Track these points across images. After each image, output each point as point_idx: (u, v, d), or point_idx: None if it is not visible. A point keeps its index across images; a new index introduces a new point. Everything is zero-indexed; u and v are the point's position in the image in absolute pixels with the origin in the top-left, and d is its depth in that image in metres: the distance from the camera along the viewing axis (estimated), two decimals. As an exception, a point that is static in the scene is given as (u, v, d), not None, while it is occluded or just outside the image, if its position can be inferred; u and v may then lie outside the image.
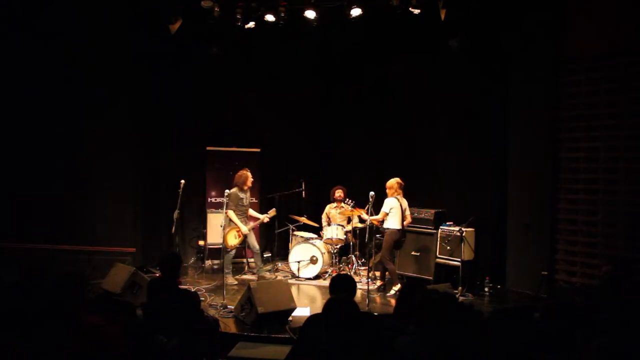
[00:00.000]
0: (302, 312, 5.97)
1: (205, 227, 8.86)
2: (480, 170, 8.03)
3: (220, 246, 7.75)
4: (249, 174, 7.69)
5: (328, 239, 8.08)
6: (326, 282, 7.55)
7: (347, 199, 8.14)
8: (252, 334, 5.37)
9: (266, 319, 5.52)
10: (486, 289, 7.27)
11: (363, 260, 8.44)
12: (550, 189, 7.20)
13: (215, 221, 8.42)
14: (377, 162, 8.81)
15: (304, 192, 9.03)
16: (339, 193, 8.44)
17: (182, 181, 7.19)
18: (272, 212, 7.81)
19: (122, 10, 7.68)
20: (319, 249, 7.91)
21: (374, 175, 7.79)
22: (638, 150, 6.43)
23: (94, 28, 7.49)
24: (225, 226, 7.56)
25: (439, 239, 7.52)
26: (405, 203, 7.32)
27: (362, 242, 7.96)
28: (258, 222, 7.80)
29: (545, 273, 6.71)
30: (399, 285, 7.10)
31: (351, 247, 8.32)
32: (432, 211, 7.70)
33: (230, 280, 7.60)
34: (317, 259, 7.90)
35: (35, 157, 7.40)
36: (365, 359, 3.07)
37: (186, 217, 8.70)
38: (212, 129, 9.04)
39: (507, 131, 7.68)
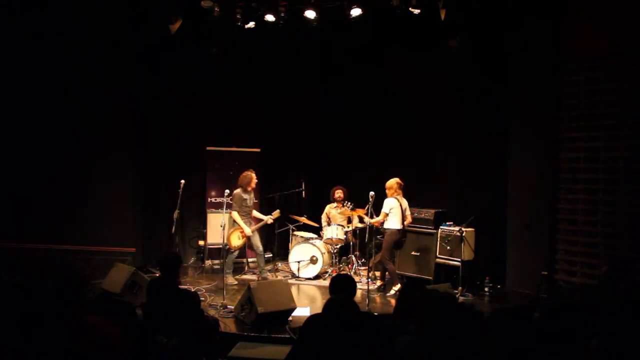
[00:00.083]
0: (302, 312, 5.98)
1: (205, 227, 8.87)
2: (480, 170, 8.03)
3: (221, 246, 7.75)
4: (254, 175, 7.68)
5: (328, 239, 8.08)
6: (326, 282, 7.55)
7: (347, 202, 8.15)
8: (252, 334, 5.37)
9: (266, 319, 5.52)
10: (486, 289, 7.27)
11: (363, 260, 8.44)
12: (550, 189, 7.20)
13: (215, 221, 8.42)
14: (377, 162, 8.81)
15: (304, 192, 9.04)
16: (338, 193, 8.44)
17: (182, 181, 7.19)
18: (276, 213, 7.81)
19: (122, 10, 7.69)
20: (319, 249, 7.91)
21: (374, 175, 7.79)
22: (638, 150, 6.43)
23: (94, 28, 7.48)
24: (229, 227, 7.59)
25: (439, 239, 7.52)
26: (405, 203, 7.32)
27: (362, 242, 7.96)
28: (262, 223, 7.80)
29: (545, 273, 6.70)
30: (399, 285, 7.10)
31: (351, 247, 8.33)
32: (432, 211, 7.70)
33: (230, 280, 7.61)
34: (317, 259, 7.90)
35: (35, 157, 7.40)
36: (365, 359, 3.07)
37: (186, 217, 8.70)
38: (212, 129, 9.04)
39: (507, 131, 7.68)
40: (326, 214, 8.63)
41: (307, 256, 7.93)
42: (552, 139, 7.20)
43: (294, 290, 7.15)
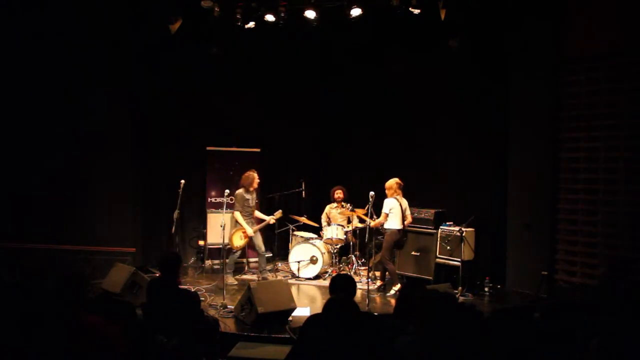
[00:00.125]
0: (302, 312, 5.98)
1: (205, 227, 8.87)
2: (480, 170, 8.03)
3: (220, 246, 7.75)
4: (256, 175, 7.69)
5: (328, 239, 8.08)
6: (326, 282, 7.55)
7: (346, 203, 8.16)
8: (252, 334, 5.37)
9: (266, 319, 5.52)
10: (486, 289, 7.27)
11: (363, 260, 8.44)
12: (550, 189, 7.20)
13: (215, 221, 8.42)
14: (377, 162, 8.81)
15: (304, 192, 9.04)
16: (338, 193, 8.44)
17: (182, 181, 7.19)
18: (278, 213, 7.81)
19: (122, 10, 7.69)
20: (319, 249, 7.91)
21: (374, 175, 7.79)
22: (638, 150, 6.43)
23: (94, 28, 7.48)
24: (231, 227, 7.60)
25: (439, 239, 7.52)
26: (405, 203, 7.32)
27: (362, 242, 7.96)
28: (264, 223, 7.80)
29: (545, 273, 6.70)
30: (399, 285, 7.10)
31: (351, 247, 8.33)
32: (432, 211, 7.70)
33: (231, 280, 7.61)
34: (317, 259, 7.90)
35: (35, 157, 7.39)
36: (365, 359, 3.07)
37: (186, 217, 8.70)
38: (212, 129, 9.04)
39: (507, 131, 7.68)
40: (326, 214, 8.63)
41: (307, 256, 7.93)
42: (552, 139, 7.20)
43: (294, 290, 7.15)
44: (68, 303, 3.17)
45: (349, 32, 8.18)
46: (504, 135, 7.71)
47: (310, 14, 7.36)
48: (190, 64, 8.57)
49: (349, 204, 8.21)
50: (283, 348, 4.57)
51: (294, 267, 7.98)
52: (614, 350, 2.73)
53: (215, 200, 9.00)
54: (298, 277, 7.93)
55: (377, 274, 7.75)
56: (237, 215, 7.56)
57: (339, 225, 8.15)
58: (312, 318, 3.58)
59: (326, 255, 8.05)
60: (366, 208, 7.25)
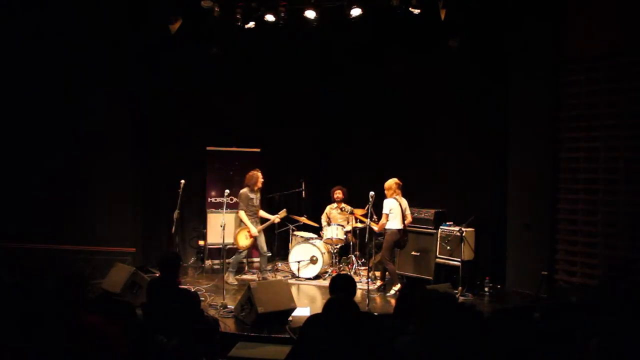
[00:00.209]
0: (302, 312, 5.98)
1: (205, 227, 8.87)
2: (480, 170, 8.02)
3: (221, 246, 7.75)
4: (260, 174, 7.70)
5: (328, 239, 8.08)
6: (326, 282, 7.55)
7: (344, 205, 8.17)
8: (252, 334, 5.37)
9: (266, 319, 5.52)
10: (486, 289, 7.27)
11: (363, 260, 8.44)
12: (550, 189, 7.20)
13: (215, 221, 8.43)
14: (377, 162, 8.81)
15: (304, 192, 9.04)
16: (338, 194, 8.44)
17: (182, 181, 7.20)
18: (283, 212, 7.82)
19: (122, 10, 7.69)
20: (319, 249, 7.91)
21: (374, 175, 7.79)
22: (638, 150, 6.43)
23: (94, 28, 7.48)
24: (235, 227, 7.61)
25: (439, 239, 7.52)
26: (404, 203, 7.32)
27: (362, 242, 7.96)
28: (268, 223, 7.81)
29: (545, 273, 6.70)
30: (399, 285, 7.10)
31: (351, 247, 8.33)
32: (432, 211, 7.70)
33: (231, 280, 7.61)
34: (317, 259, 7.90)
35: (35, 157, 7.39)
36: (365, 359, 3.07)
37: (186, 217, 8.70)
38: (212, 129, 9.04)
39: (507, 131, 7.68)
40: (326, 214, 8.63)
41: (307, 256, 7.93)
42: (552, 139, 7.20)
43: (294, 290, 7.15)
44: (68, 303, 3.17)
45: (349, 32, 8.18)
46: (504, 135, 7.71)
47: (310, 14, 7.36)
48: (190, 64, 8.58)
49: (346, 205, 8.23)
50: (283, 348, 4.57)
51: (294, 267, 7.98)
52: (614, 350, 2.73)
53: (215, 200, 9.00)
54: (298, 277, 7.93)
55: (377, 274, 7.75)
56: (242, 214, 7.56)
57: (339, 225, 8.15)
58: (312, 318, 3.58)
59: (326, 255, 8.05)
60: (366, 208, 7.25)
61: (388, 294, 7.20)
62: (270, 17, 7.48)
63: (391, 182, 7.27)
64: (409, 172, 8.02)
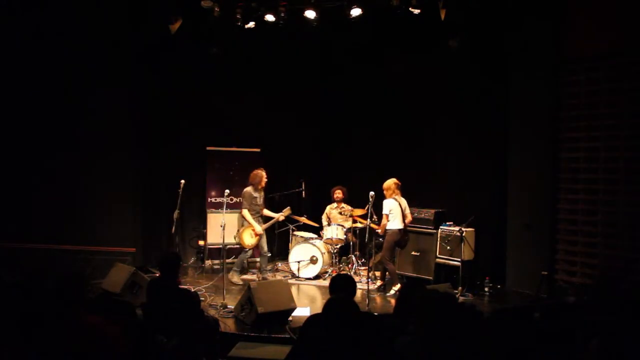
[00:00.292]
0: (302, 312, 5.98)
1: (205, 227, 8.87)
2: (480, 170, 8.02)
3: (221, 246, 7.75)
4: (264, 173, 7.71)
5: (328, 239, 8.08)
6: (326, 282, 7.55)
7: (344, 206, 8.17)
8: (252, 334, 5.37)
9: (266, 319, 5.52)
10: (486, 289, 7.27)
11: (363, 260, 8.44)
12: (550, 189, 7.20)
13: (215, 221, 8.43)
14: (377, 162, 8.81)
15: (304, 192, 9.04)
16: (338, 194, 8.45)
17: (182, 181, 7.19)
18: (287, 210, 7.83)
19: (122, 10, 7.69)
20: (319, 249, 7.91)
21: (374, 175, 7.78)
22: (638, 150, 6.43)
23: (94, 28, 7.48)
24: (239, 226, 7.61)
25: (439, 239, 7.52)
26: (404, 202, 7.32)
27: (362, 242, 7.96)
28: (273, 221, 7.82)
29: (545, 273, 6.71)
30: (399, 285, 7.10)
31: (351, 247, 8.33)
32: (432, 211, 7.70)
33: (236, 279, 7.61)
34: (317, 259, 7.90)
35: (35, 157, 7.39)
36: (365, 359, 3.07)
37: (186, 217, 8.70)
38: (212, 129, 9.04)
39: (507, 131, 7.68)
40: (326, 214, 8.63)
41: (307, 256, 7.93)
42: (552, 139, 7.20)
43: (294, 290, 7.15)
44: (68, 303, 3.17)
45: (349, 32, 8.18)
46: (504, 135, 7.71)
47: (310, 14, 7.36)
48: (190, 64, 8.57)
49: (348, 206, 8.23)
50: (283, 348, 4.57)
51: (294, 267, 7.97)
52: (614, 350, 2.73)
53: (215, 200, 9.00)
54: (298, 277, 7.93)
55: (377, 274, 7.75)
56: (245, 213, 7.56)
57: (339, 225, 8.15)
58: (312, 318, 3.58)
59: (326, 255, 8.05)
60: (366, 208, 7.25)
61: (388, 294, 7.20)
62: (270, 17, 7.47)
63: (390, 183, 7.26)
64: (409, 172, 8.02)
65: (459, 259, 7.16)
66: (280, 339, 5.26)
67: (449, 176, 8.34)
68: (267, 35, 8.03)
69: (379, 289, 7.44)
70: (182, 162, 8.62)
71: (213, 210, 8.88)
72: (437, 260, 7.51)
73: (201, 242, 8.90)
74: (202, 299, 6.53)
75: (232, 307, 6.09)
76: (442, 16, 6.97)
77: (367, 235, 7.08)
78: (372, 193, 6.74)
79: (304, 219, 8.57)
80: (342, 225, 8.18)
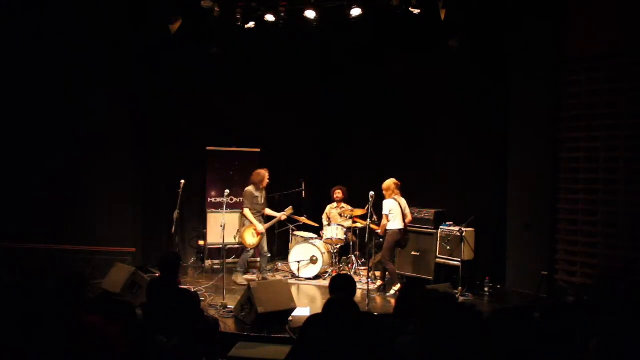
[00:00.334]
0: (302, 312, 5.98)
1: (205, 227, 8.87)
2: (480, 170, 8.02)
3: (221, 246, 7.75)
4: (267, 174, 7.70)
5: (328, 239, 8.08)
6: (326, 282, 7.54)
7: (345, 206, 8.18)
8: (252, 334, 5.37)
9: (266, 319, 5.52)
10: (486, 289, 7.27)
11: (363, 260, 8.44)
12: (550, 189, 7.20)
13: (215, 221, 8.43)
14: (377, 162, 8.81)
15: (304, 192, 9.04)
16: (338, 193, 8.44)
17: (182, 181, 7.19)
18: (289, 210, 7.83)
19: (122, 10, 7.69)
20: (319, 249, 7.91)
21: (374, 175, 7.78)
22: (638, 150, 6.43)
23: (94, 28, 7.48)
24: (240, 225, 7.60)
25: (439, 239, 7.52)
26: (404, 202, 7.32)
27: (362, 242, 7.96)
28: (275, 220, 7.82)
29: (545, 273, 6.71)
30: (399, 285, 7.10)
31: (351, 247, 8.33)
32: (432, 211, 7.70)
33: (240, 280, 7.60)
34: (317, 259, 7.90)
35: (35, 157, 7.39)
36: (365, 359, 3.07)
37: (186, 217, 8.70)
38: (212, 129, 9.04)
39: (507, 131, 7.68)
40: (326, 214, 8.63)
41: (307, 256, 7.93)
42: (552, 139, 7.20)
43: (294, 290, 7.15)
44: (68, 303, 3.17)
45: (349, 32, 8.18)
46: (504, 135, 7.71)
47: (310, 14, 7.36)
48: (190, 64, 8.58)
49: (348, 206, 8.23)
50: (283, 348, 4.57)
51: (294, 267, 7.97)
52: (614, 350, 2.73)
53: (215, 200, 9.00)
54: (298, 277, 7.93)
55: (378, 274, 7.75)
56: (247, 212, 7.56)
57: (339, 225, 8.15)
58: (312, 318, 3.58)
59: (326, 255, 8.05)
60: (366, 208, 7.25)
61: (388, 294, 7.20)
62: (270, 17, 7.47)
63: (389, 183, 7.26)
64: (409, 172, 8.02)
65: (459, 259, 7.16)
66: (280, 339, 5.26)
67: (449, 176, 8.34)
68: (267, 35, 8.03)
69: (379, 289, 7.43)
70: (182, 162, 8.62)
71: (213, 210, 8.88)
72: (437, 260, 7.51)
73: (201, 242, 8.90)
74: (202, 299, 6.53)
75: (232, 307, 6.09)
76: (442, 16, 6.97)
77: (367, 235, 7.08)
78: (372, 193, 6.74)
79: (304, 219, 8.58)
80: (342, 225, 8.18)
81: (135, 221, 8.03)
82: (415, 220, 7.63)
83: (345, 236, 8.11)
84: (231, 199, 8.61)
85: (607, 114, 6.71)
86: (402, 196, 7.34)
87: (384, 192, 7.25)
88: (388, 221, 7.17)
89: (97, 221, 7.64)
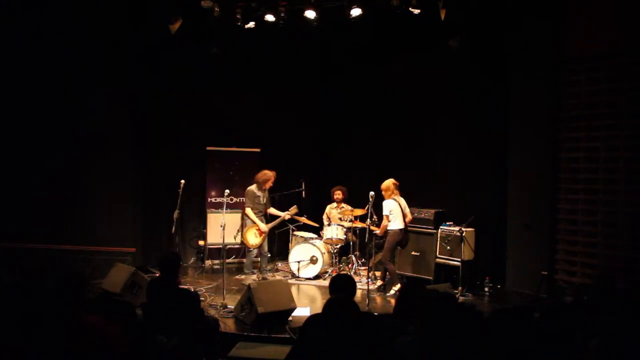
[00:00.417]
0: (302, 312, 5.98)
1: (205, 227, 8.87)
2: (480, 170, 8.02)
3: (221, 246, 7.75)
4: (273, 177, 7.67)
5: (328, 239, 8.08)
6: (326, 282, 7.54)
7: (345, 206, 8.18)
8: (252, 334, 5.37)
9: (266, 319, 5.52)
10: (486, 289, 7.27)
11: (363, 260, 8.44)
12: (550, 189, 7.20)
13: (215, 221, 8.43)
14: (377, 162, 8.81)
15: (304, 192, 9.04)
16: (337, 194, 8.44)
17: (182, 181, 7.19)
18: (294, 209, 7.83)
19: (122, 10, 7.69)
20: (319, 249, 7.91)
21: (374, 175, 7.78)
22: (638, 150, 6.43)
23: (94, 28, 7.49)
24: (242, 225, 7.61)
25: (439, 239, 7.52)
26: (403, 202, 7.32)
27: (362, 242, 7.96)
28: (279, 220, 7.82)
29: (545, 273, 6.71)
30: (399, 285, 7.10)
31: (351, 247, 8.32)
32: (432, 211, 7.70)
33: (249, 281, 7.58)
34: (317, 259, 7.90)
35: (35, 157, 7.39)
36: (365, 359, 3.07)
37: (186, 217, 8.70)
38: (212, 129, 9.04)
39: (507, 131, 7.68)
40: (326, 214, 8.63)
41: (307, 256, 7.93)
42: (552, 139, 7.20)
43: (294, 290, 7.15)
44: (68, 303, 3.17)
45: (349, 32, 8.18)
46: (504, 135, 7.71)
47: (310, 14, 7.36)
48: (190, 64, 8.58)
49: (348, 206, 8.24)
50: (283, 348, 4.57)
51: (294, 267, 7.97)
52: (614, 350, 2.73)
53: (215, 200, 9.00)
54: (298, 277, 7.93)
55: (378, 274, 7.75)
56: (249, 211, 7.56)
57: (339, 225, 8.15)
58: (312, 318, 3.58)
59: (326, 255, 8.05)
60: (366, 208, 7.25)
61: (388, 294, 7.20)
62: (270, 17, 7.48)
63: (389, 183, 7.26)
64: (409, 172, 8.03)
65: (459, 259, 7.16)
66: (280, 339, 5.26)
67: (449, 176, 8.34)
68: (267, 35, 8.03)
69: (379, 289, 7.43)
70: (182, 162, 8.62)
71: (213, 210, 8.88)
72: (437, 260, 7.51)
73: (201, 242, 8.90)
74: (202, 299, 6.52)
75: (232, 307, 6.09)
76: (442, 16, 6.97)
77: (367, 235, 7.08)
78: (372, 193, 6.74)
79: (304, 219, 8.57)
80: (342, 225, 8.18)
81: (135, 221, 8.04)
82: (415, 220, 7.63)
83: (345, 236, 8.11)
84: (231, 199, 8.62)
85: (607, 114, 6.71)
86: (402, 196, 7.34)
87: (383, 193, 7.25)
88: (389, 222, 7.17)
89: (97, 221, 7.64)
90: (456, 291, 6.87)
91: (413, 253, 7.76)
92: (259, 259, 7.96)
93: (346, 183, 8.61)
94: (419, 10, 6.96)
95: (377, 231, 7.31)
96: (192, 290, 6.71)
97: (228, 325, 5.70)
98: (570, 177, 7.09)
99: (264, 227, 7.57)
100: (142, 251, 8.02)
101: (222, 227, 6.76)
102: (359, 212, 8.16)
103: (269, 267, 8.12)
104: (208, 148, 9.01)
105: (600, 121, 6.76)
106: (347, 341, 3.00)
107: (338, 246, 8.27)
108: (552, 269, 7.06)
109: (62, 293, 3.20)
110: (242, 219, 7.91)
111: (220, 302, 6.36)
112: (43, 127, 7.43)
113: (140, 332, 3.80)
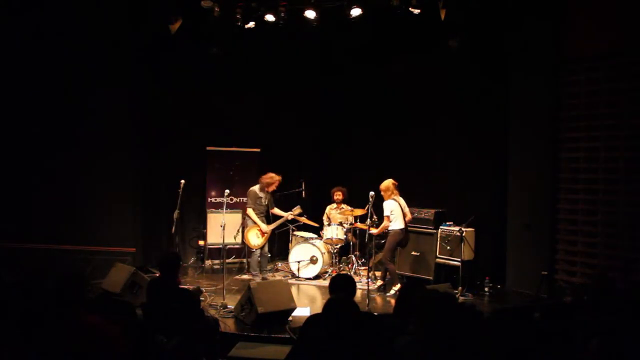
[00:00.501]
0: (302, 312, 5.98)
1: (205, 227, 8.87)
2: (480, 170, 8.03)
3: (221, 246, 7.75)
4: (278, 182, 7.66)
5: (328, 239, 8.08)
6: (326, 282, 7.54)
7: (344, 206, 8.18)
8: (252, 334, 5.37)
9: (266, 319, 5.52)
10: (486, 289, 7.27)
11: (363, 260, 8.44)
12: (550, 189, 7.20)
13: (215, 221, 8.42)
14: (377, 162, 8.81)
15: (304, 192, 9.04)
16: (337, 195, 8.44)
17: (182, 181, 7.20)
18: (297, 209, 7.83)
19: (122, 10, 7.69)
20: (319, 249, 7.91)
21: (374, 175, 7.78)
22: (638, 150, 6.43)
23: (94, 28, 7.49)
24: (245, 225, 7.63)
25: (439, 239, 7.52)
26: (403, 202, 7.32)
27: (362, 242, 7.96)
28: (281, 220, 7.82)
29: (545, 273, 6.70)
30: (399, 285, 7.10)
31: (351, 247, 8.32)
32: (432, 211, 7.70)
33: (257, 280, 7.59)
34: (317, 259, 7.90)
35: (35, 157, 7.39)
36: (365, 359, 3.07)
37: (186, 217, 8.70)
38: (212, 129, 9.04)
39: (507, 131, 7.68)
40: (326, 214, 8.63)
41: (307, 256, 7.93)
42: (552, 139, 7.20)
43: (294, 290, 7.15)
44: (68, 303, 3.17)
45: (349, 32, 8.17)
46: (504, 135, 7.71)
47: (310, 14, 7.36)
48: (190, 64, 8.58)
49: (348, 206, 8.23)
50: (283, 348, 4.57)
51: (294, 267, 7.97)
52: (614, 350, 2.73)
53: (215, 200, 9.00)
54: (298, 277, 7.93)
55: (378, 274, 7.75)
56: (250, 212, 7.56)
57: (339, 225, 8.15)
58: (312, 318, 3.58)
59: (326, 255, 8.05)
60: (366, 208, 7.25)
61: (388, 294, 7.20)
62: (270, 17, 7.48)
63: (388, 184, 7.25)
64: (409, 172, 8.02)
65: (459, 259, 7.16)
66: (280, 339, 5.26)
67: (449, 176, 8.34)
68: (267, 35, 8.03)
69: (379, 289, 7.43)
70: (182, 162, 8.62)
71: (213, 210, 8.88)
72: (437, 260, 7.51)
73: (201, 242, 8.90)
74: (202, 299, 6.52)
75: (232, 307, 6.09)
76: (442, 16, 6.97)
77: (367, 235, 7.08)
78: (372, 193, 6.74)
79: (304, 219, 8.57)
80: (342, 225, 8.18)
81: (135, 221, 8.03)
82: (415, 220, 7.63)
83: (345, 236, 8.11)
84: (231, 199, 8.61)
85: (607, 114, 6.71)
86: (401, 196, 7.34)
87: (383, 194, 7.25)
88: (390, 222, 7.17)
89: (97, 221, 7.64)
90: (456, 291, 6.87)
91: (413, 253, 7.76)
92: (260, 259, 7.95)
93: (346, 183, 8.61)
94: (419, 10, 6.96)
95: (374, 231, 7.27)
96: (194, 288, 6.71)
97: (228, 325, 5.70)
98: (570, 177, 7.09)
99: (265, 227, 7.57)
100: (142, 251, 8.02)
101: (222, 227, 6.77)
102: (359, 212, 8.16)
103: (269, 267, 8.11)
104: (208, 148, 9.01)
105: (600, 121, 6.76)
106: (347, 341, 3.00)
107: (338, 246, 8.27)
108: (552, 269, 7.06)
109: (62, 293, 3.20)
110: (243, 219, 7.89)
111: (220, 302, 6.36)
112: (43, 127, 7.43)
113: (140, 332, 3.80)
